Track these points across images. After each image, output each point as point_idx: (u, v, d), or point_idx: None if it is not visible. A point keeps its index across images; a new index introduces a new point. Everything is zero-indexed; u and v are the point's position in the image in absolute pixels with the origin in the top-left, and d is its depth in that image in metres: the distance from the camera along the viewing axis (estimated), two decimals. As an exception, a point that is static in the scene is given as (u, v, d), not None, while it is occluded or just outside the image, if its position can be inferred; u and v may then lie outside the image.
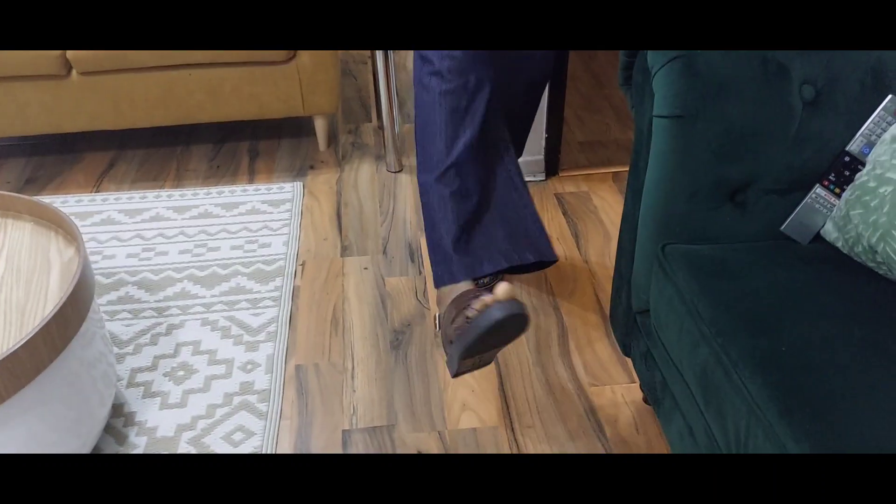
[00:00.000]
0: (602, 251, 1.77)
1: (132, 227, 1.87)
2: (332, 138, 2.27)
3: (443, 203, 1.25)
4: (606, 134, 2.25)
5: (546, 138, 1.97)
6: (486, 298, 1.10)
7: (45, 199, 1.99)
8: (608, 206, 1.93)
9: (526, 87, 1.45)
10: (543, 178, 2.03)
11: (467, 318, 1.12)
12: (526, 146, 1.75)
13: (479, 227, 1.28)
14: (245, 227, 1.86)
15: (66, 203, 1.97)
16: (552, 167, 2.03)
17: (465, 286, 1.21)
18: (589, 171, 2.07)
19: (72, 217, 1.91)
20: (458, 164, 1.24)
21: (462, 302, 1.17)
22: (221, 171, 2.12)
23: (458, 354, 1.13)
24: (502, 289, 1.09)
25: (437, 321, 1.33)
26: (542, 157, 2.00)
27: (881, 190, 0.95)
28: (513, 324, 1.09)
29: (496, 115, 1.26)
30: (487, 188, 1.29)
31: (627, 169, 1.19)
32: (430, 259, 1.29)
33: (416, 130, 1.28)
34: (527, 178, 2.01)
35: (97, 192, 2.03)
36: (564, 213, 1.90)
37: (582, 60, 2.71)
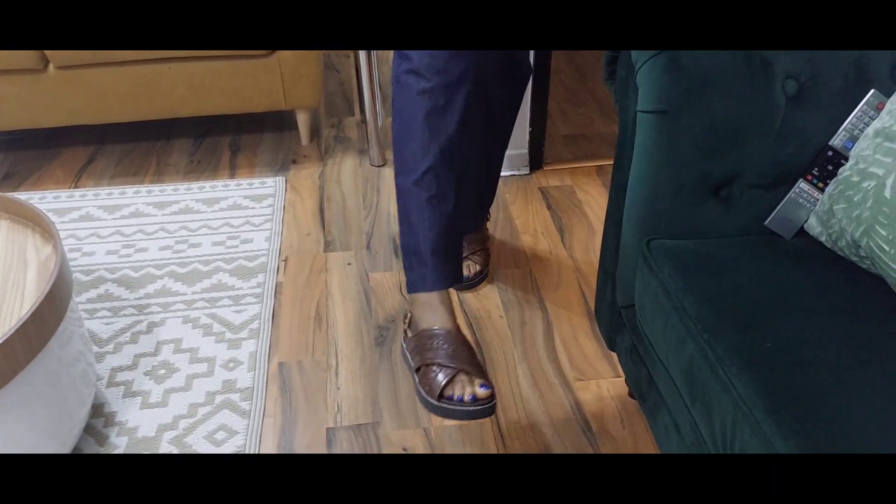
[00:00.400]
0: (587, 245, 1.77)
1: (112, 224, 1.84)
2: (314, 132, 2.25)
3: (420, 208, 1.23)
4: (590, 127, 2.25)
5: (530, 132, 1.96)
6: (465, 390, 1.15)
7: (23, 195, 1.96)
8: (592, 199, 1.93)
9: (508, 81, 1.43)
10: (528, 172, 2.03)
11: (436, 388, 1.16)
12: (509, 140, 1.74)
13: (454, 234, 1.28)
14: (227, 223, 1.84)
15: (45, 199, 1.94)
16: (536, 161, 2.03)
17: (437, 297, 1.25)
18: (573, 164, 2.07)
19: (50, 213, 1.88)
20: (435, 168, 1.21)
21: (427, 348, 1.21)
22: (202, 166, 2.09)
23: (417, 393, 1.21)
24: (484, 390, 1.14)
25: (406, 320, 1.32)
26: (525, 150, 1.99)
27: (864, 184, 0.96)
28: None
29: (476, 114, 1.23)
30: (464, 193, 1.27)
31: (612, 163, 1.18)
32: (404, 263, 1.28)
33: (393, 130, 1.24)
34: (511, 173, 2.01)
35: (76, 187, 2.00)
36: (549, 207, 1.90)
37: (566, 53, 2.70)
